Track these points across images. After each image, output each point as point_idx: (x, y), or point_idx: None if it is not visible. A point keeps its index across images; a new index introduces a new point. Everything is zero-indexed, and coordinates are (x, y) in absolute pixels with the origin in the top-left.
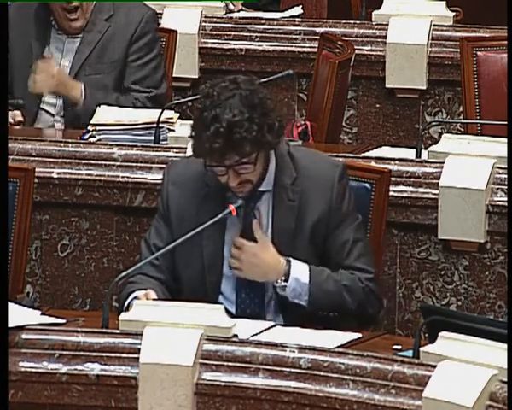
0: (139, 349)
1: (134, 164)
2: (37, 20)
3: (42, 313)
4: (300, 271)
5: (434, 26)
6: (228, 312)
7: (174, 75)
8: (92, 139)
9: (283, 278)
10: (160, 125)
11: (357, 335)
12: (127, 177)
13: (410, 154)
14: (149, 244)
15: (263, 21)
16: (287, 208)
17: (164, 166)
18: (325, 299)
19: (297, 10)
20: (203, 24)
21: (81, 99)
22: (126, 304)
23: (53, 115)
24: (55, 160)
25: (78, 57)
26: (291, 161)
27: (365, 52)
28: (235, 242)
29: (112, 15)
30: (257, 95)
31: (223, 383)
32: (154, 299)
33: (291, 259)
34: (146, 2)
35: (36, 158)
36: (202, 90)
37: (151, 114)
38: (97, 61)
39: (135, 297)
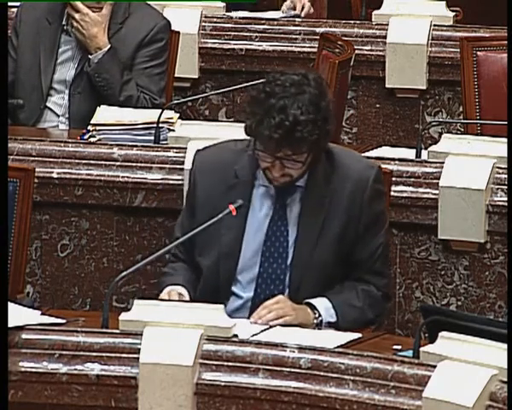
0: (139, 349)
1: (134, 164)
2: (48, 23)
3: (42, 313)
4: (327, 310)
5: (434, 26)
6: (241, 298)
7: (174, 75)
8: (92, 139)
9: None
10: (160, 125)
11: (357, 335)
12: (127, 177)
13: (410, 154)
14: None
15: (263, 21)
16: (317, 204)
17: (164, 166)
18: (352, 324)
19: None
20: (203, 24)
21: (104, 50)
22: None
23: (58, 116)
24: (55, 160)
25: (85, 60)
26: (326, 157)
27: (365, 52)
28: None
29: (126, 19)
30: (324, 98)
31: (223, 383)
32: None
33: (310, 301)
34: (152, 3)
35: (36, 158)
36: (271, 74)
37: (151, 114)
38: None
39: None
